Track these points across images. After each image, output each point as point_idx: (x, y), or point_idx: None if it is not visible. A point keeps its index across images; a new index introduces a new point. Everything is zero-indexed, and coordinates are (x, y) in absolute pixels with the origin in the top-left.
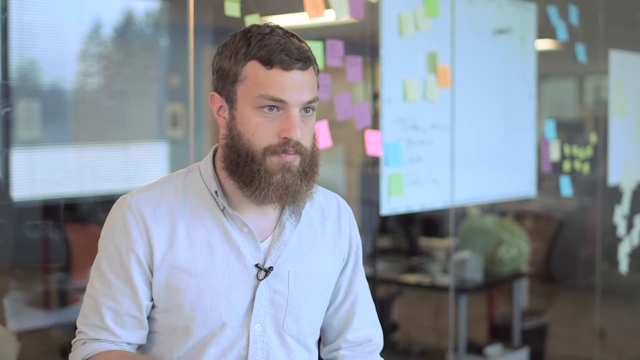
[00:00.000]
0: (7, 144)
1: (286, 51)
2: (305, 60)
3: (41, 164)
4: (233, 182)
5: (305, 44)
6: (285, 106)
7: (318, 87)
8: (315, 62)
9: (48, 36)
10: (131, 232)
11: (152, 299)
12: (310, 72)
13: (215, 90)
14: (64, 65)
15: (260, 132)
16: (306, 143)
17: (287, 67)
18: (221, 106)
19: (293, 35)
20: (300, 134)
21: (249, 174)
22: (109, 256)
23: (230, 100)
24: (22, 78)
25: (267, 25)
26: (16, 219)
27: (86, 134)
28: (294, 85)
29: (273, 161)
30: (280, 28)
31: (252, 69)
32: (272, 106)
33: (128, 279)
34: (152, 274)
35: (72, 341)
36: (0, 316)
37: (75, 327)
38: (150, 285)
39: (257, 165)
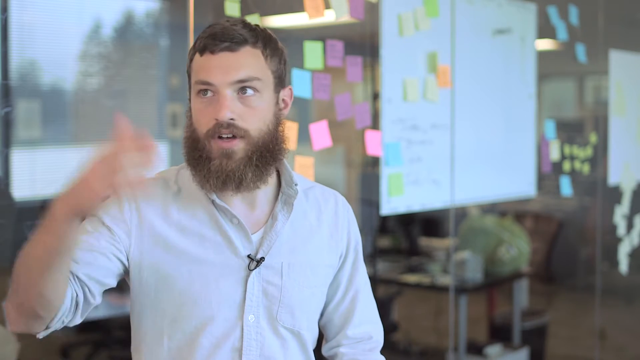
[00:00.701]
0: (7, 144)
1: (213, 35)
2: (234, 41)
3: (41, 164)
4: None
5: (254, 29)
6: (216, 89)
7: (277, 73)
8: (265, 46)
9: (48, 36)
10: (123, 209)
11: (122, 273)
12: (245, 52)
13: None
14: (64, 65)
15: (200, 118)
16: (246, 125)
17: (213, 50)
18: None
19: (243, 23)
20: (230, 115)
21: (193, 161)
22: (93, 219)
23: (190, 96)
24: (22, 78)
25: (225, 19)
26: (16, 218)
27: (86, 134)
28: (220, 66)
29: (213, 147)
30: (240, 19)
31: (194, 61)
32: (204, 90)
33: (112, 234)
34: (139, 255)
35: None
36: None
37: (74, 327)
38: (124, 262)
39: (200, 151)
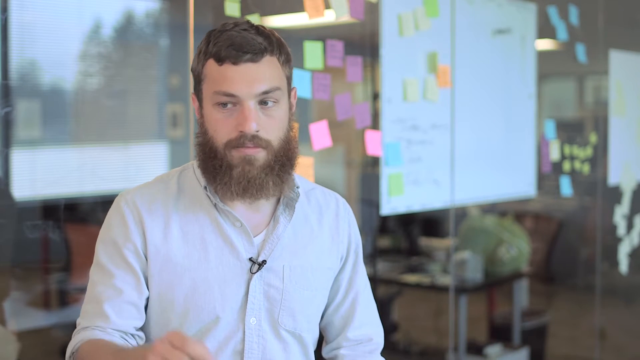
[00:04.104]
0: (7, 144)
1: (234, 45)
2: (256, 52)
3: (41, 164)
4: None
5: (268, 35)
6: (239, 100)
7: (290, 78)
8: (280, 52)
9: (48, 36)
10: (128, 223)
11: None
12: (265, 62)
13: (193, 90)
14: (64, 65)
15: (219, 127)
16: (269, 135)
17: (235, 61)
18: (198, 106)
19: (255, 28)
20: (256, 127)
21: (212, 170)
22: (108, 250)
23: (199, 99)
24: (22, 78)
25: (232, 22)
26: (16, 218)
27: (86, 134)
28: (244, 78)
29: (234, 155)
30: (247, 22)
31: (209, 67)
32: (227, 102)
33: (129, 268)
34: (147, 265)
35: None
36: (0, 316)
37: (74, 327)
38: (147, 276)
39: (220, 160)
